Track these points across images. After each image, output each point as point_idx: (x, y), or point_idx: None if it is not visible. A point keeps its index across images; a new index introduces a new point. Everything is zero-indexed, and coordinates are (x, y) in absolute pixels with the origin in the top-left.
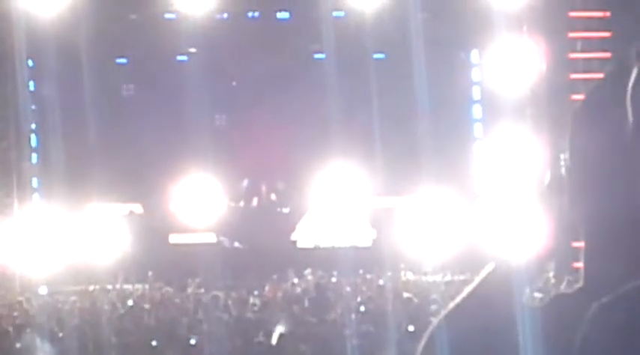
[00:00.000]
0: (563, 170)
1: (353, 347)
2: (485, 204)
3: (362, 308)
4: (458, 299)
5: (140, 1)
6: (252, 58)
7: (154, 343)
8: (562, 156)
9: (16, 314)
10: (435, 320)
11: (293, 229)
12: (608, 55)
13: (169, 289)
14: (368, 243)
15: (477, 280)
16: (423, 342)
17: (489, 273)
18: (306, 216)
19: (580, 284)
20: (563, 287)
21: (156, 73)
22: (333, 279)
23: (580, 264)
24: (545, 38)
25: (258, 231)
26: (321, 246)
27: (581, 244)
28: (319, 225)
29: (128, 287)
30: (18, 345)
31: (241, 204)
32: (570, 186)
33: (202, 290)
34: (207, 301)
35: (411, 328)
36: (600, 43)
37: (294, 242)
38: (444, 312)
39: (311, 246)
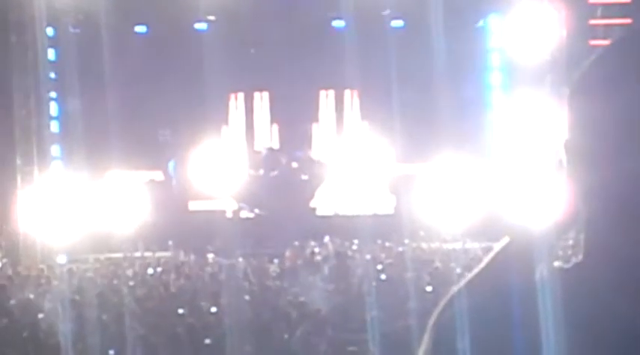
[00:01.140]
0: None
1: (372, 317)
2: (504, 171)
3: (382, 277)
4: (477, 269)
5: None
6: (271, 25)
7: (180, 311)
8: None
9: (41, 281)
10: (453, 288)
11: (312, 197)
12: (628, 21)
13: (192, 257)
14: (389, 211)
15: (496, 249)
16: (439, 309)
17: (508, 243)
18: (326, 184)
19: (578, 258)
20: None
21: (175, 41)
22: (354, 247)
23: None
24: (565, 4)
25: (278, 198)
26: (341, 213)
27: None
28: (339, 192)
29: (149, 254)
30: (40, 313)
31: (261, 172)
32: (569, 159)
33: (222, 259)
34: (227, 269)
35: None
36: (620, 8)
37: (314, 209)
38: (463, 281)
39: (331, 213)
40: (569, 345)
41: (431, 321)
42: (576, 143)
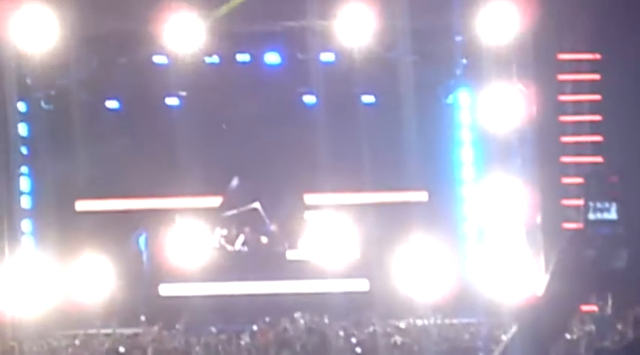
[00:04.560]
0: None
1: None
2: (476, 246)
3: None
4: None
5: (130, 44)
6: (242, 100)
7: None
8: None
9: None
10: None
11: (282, 267)
12: (598, 97)
13: (164, 333)
14: (364, 288)
15: (507, 338)
16: None
17: (517, 330)
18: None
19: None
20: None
21: (146, 116)
22: (325, 321)
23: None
24: (534, 81)
25: (249, 272)
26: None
27: None
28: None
29: (120, 331)
30: None
31: (229, 247)
32: None
33: (192, 335)
34: (198, 346)
35: None
36: (590, 85)
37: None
38: None
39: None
40: None
41: None
42: None
